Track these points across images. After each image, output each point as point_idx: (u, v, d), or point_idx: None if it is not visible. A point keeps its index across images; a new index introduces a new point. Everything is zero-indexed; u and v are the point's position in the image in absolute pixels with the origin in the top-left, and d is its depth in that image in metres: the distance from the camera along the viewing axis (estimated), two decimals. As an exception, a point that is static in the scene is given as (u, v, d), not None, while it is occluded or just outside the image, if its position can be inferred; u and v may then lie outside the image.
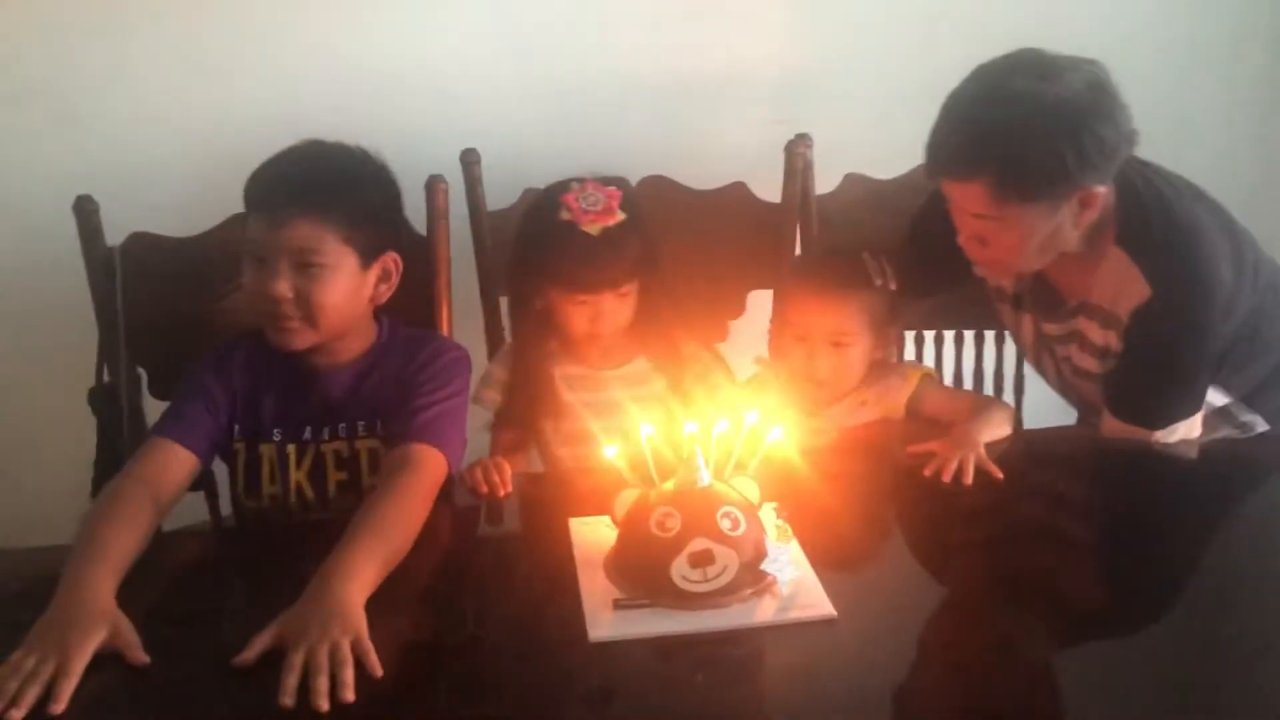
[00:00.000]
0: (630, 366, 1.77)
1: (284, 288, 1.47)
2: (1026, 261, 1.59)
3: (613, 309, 1.67)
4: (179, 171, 2.04)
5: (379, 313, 1.62)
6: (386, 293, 1.59)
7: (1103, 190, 1.50)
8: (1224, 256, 1.55)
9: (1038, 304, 1.72)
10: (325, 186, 1.50)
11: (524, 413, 1.75)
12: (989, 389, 2.09)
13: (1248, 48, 2.38)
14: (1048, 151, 1.43)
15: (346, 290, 1.52)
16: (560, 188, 1.66)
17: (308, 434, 1.58)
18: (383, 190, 1.58)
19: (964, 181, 1.50)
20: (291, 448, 1.57)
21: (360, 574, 1.23)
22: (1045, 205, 1.48)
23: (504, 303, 1.89)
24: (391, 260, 1.58)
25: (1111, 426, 1.64)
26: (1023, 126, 1.43)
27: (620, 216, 1.63)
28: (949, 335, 2.09)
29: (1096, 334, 1.63)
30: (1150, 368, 1.58)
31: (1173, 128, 2.02)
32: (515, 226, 1.77)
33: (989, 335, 2.06)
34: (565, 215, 1.63)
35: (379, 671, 1.12)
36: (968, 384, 2.10)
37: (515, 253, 1.75)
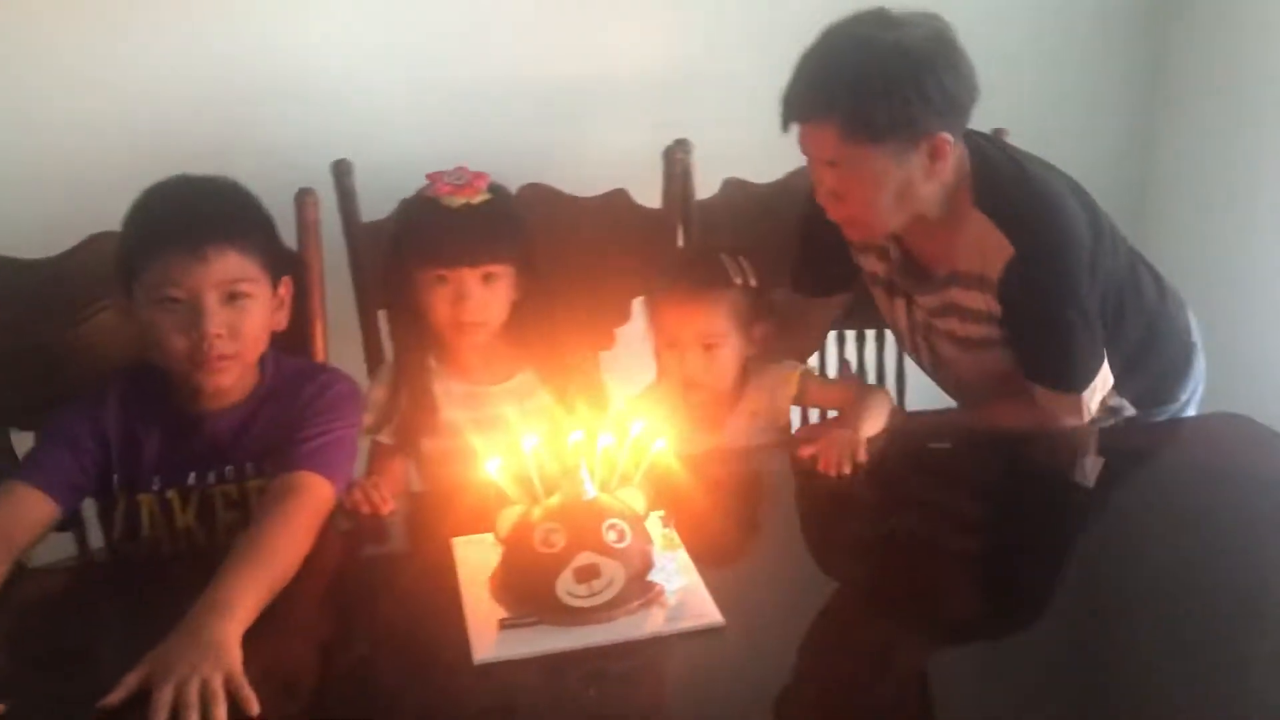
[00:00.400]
0: (514, 381, 1.74)
1: (219, 323, 1.42)
2: (883, 216, 1.61)
3: (478, 295, 1.65)
4: (30, 189, 1.94)
5: None
6: (283, 320, 1.56)
7: (951, 140, 1.54)
8: (1079, 219, 1.61)
9: (910, 281, 1.75)
10: (238, 215, 1.48)
11: (403, 429, 1.72)
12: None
13: (1116, 28, 2.49)
14: (892, 91, 1.48)
15: (265, 318, 1.50)
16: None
17: (192, 479, 1.52)
18: (268, 215, 1.55)
19: (814, 124, 1.54)
20: (174, 493, 1.51)
21: (236, 607, 1.18)
22: (893, 148, 1.52)
23: (383, 318, 1.86)
24: (286, 286, 1.56)
25: (1043, 398, 1.68)
26: (867, 68, 1.49)
27: (484, 195, 1.66)
28: (830, 334, 2.11)
29: (974, 299, 1.66)
30: (1039, 329, 1.63)
31: (1045, 112, 2.09)
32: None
33: (869, 334, 2.09)
34: (429, 191, 1.66)
35: (255, 708, 1.08)
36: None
37: (388, 242, 1.74)
